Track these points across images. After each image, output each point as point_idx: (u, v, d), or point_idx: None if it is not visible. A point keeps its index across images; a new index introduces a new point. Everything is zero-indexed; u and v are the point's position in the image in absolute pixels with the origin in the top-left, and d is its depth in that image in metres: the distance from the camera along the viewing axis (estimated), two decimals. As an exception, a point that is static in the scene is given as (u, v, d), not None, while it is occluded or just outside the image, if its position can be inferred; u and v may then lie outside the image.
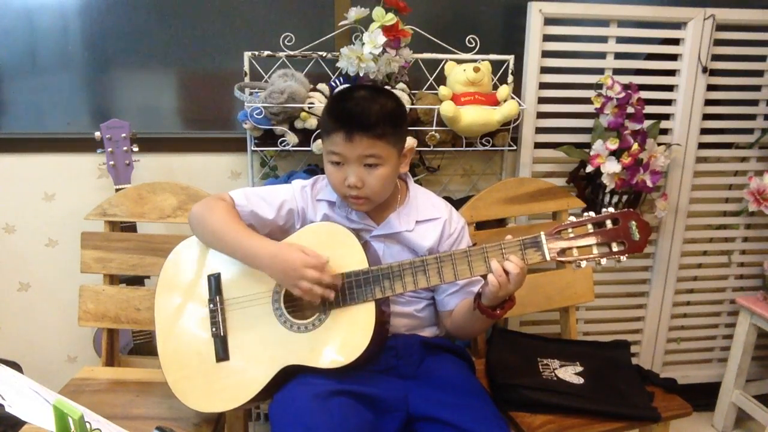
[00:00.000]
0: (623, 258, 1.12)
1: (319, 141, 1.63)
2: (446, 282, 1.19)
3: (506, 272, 1.12)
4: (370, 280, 1.18)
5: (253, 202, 1.31)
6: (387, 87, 1.59)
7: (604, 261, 1.12)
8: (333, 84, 1.69)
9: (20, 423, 1.08)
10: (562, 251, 1.13)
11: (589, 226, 1.13)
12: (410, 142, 1.63)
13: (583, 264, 1.13)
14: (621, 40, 1.85)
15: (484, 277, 1.16)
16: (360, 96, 1.23)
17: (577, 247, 1.13)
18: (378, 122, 1.18)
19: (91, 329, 1.79)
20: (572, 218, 1.15)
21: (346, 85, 1.59)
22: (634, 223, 1.12)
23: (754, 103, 1.96)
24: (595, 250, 1.13)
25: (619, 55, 1.86)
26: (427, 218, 1.33)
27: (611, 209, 1.14)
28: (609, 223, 1.13)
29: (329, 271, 1.16)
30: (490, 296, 1.15)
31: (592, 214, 1.15)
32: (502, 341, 1.61)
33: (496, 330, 1.67)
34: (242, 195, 1.32)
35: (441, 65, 1.76)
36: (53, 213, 1.85)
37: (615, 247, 1.12)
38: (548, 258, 1.13)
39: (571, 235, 1.13)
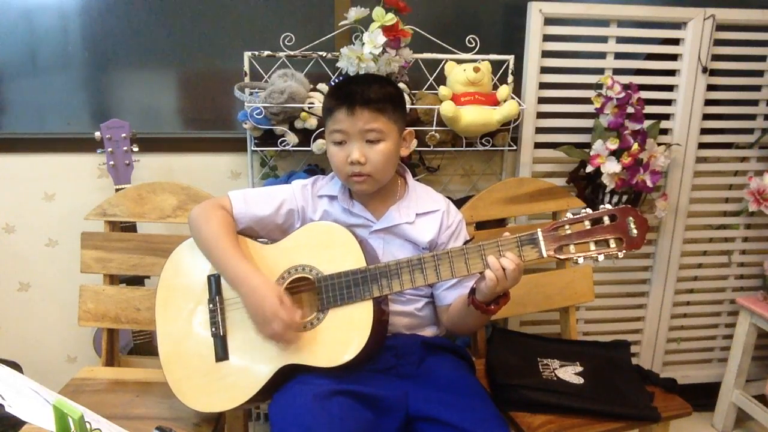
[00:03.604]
0: (621, 254, 1.12)
1: (320, 141, 1.64)
2: (443, 279, 1.19)
3: (503, 268, 1.12)
4: (367, 278, 1.18)
5: (252, 204, 1.32)
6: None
7: (601, 257, 1.12)
8: (333, 84, 1.69)
9: (20, 423, 1.08)
10: (560, 248, 1.12)
11: (587, 223, 1.12)
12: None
13: (581, 261, 1.12)
14: (621, 40, 1.85)
15: (481, 273, 1.16)
16: (362, 78, 1.37)
17: (575, 244, 1.12)
18: (378, 98, 1.23)
19: (91, 329, 1.79)
20: (570, 215, 1.14)
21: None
22: (631, 219, 1.11)
23: (754, 103, 1.95)
24: (592, 247, 1.12)
25: (619, 55, 1.86)
26: (426, 210, 1.34)
27: (609, 206, 1.14)
28: (606, 220, 1.12)
29: (295, 326, 1.16)
30: (486, 291, 1.15)
31: (589, 210, 1.14)
32: (502, 341, 1.61)
33: (496, 330, 1.67)
34: (241, 198, 1.32)
35: (441, 65, 1.76)
36: (53, 213, 1.85)
37: (613, 244, 1.12)
38: (545, 255, 1.13)
39: (569, 232, 1.12)
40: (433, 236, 1.32)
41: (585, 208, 1.15)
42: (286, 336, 1.16)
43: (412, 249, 1.32)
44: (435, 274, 1.17)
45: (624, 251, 1.11)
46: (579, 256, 1.12)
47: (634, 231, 1.11)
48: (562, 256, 1.13)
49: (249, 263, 1.22)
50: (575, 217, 1.13)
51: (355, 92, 1.23)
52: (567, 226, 1.13)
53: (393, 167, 1.31)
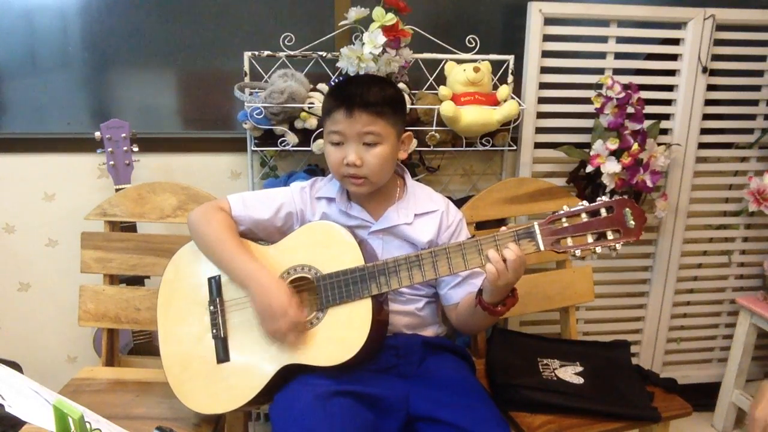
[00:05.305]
0: (619, 246, 1.10)
1: (320, 141, 1.64)
2: (441, 276, 1.18)
3: (504, 260, 1.11)
4: (366, 276, 1.18)
5: (251, 207, 1.32)
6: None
7: (599, 249, 1.10)
8: (333, 84, 1.69)
9: (20, 423, 1.09)
10: (557, 241, 1.11)
11: (584, 215, 1.11)
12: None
13: (578, 253, 1.11)
14: (621, 40, 1.85)
15: (482, 267, 1.15)
16: (362, 80, 1.34)
17: (572, 237, 1.11)
18: (377, 101, 1.23)
19: (91, 329, 1.79)
20: (566, 207, 1.13)
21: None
22: (628, 210, 1.10)
23: (754, 103, 1.96)
24: (589, 239, 1.11)
25: (619, 55, 1.86)
26: (425, 211, 1.34)
27: (605, 198, 1.13)
28: (603, 212, 1.11)
29: (301, 324, 1.17)
30: (489, 288, 1.15)
31: (586, 203, 1.13)
32: (502, 341, 1.61)
33: (496, 330, 1.67)
34: (240, 201, 1.32)
35: (441, 65, 1.76)
36: (53, 213, 1.85)
37: (610, 235, 1.10)
38: (542, 248, 1.12)
39: (566, 225, 1.11)
40: (432, 237, 1.32)
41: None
42: (290, 335, 1.16)
43: (411, 250, 1.31)
44: (433, 270, 1.17)
45: (622, 243, 1.10)
46: (577, 249, 1.11)
47: (632, 222, 1.10)
48: (559, 250, 1.12)
49: (255, 261, 1.23)
50: (572, 209, 1.12)
51: (354, 94, 1.22)
52: (564, 219, 1.12)
53: (390, 170, 1.30)
